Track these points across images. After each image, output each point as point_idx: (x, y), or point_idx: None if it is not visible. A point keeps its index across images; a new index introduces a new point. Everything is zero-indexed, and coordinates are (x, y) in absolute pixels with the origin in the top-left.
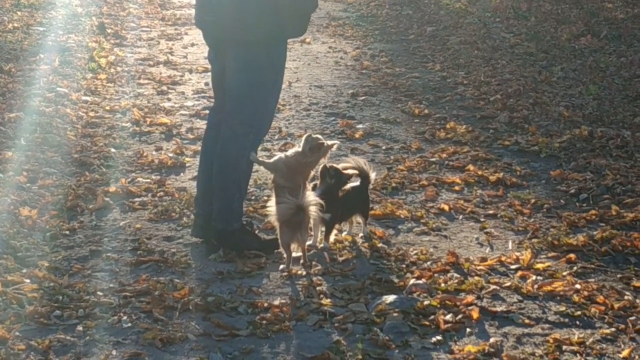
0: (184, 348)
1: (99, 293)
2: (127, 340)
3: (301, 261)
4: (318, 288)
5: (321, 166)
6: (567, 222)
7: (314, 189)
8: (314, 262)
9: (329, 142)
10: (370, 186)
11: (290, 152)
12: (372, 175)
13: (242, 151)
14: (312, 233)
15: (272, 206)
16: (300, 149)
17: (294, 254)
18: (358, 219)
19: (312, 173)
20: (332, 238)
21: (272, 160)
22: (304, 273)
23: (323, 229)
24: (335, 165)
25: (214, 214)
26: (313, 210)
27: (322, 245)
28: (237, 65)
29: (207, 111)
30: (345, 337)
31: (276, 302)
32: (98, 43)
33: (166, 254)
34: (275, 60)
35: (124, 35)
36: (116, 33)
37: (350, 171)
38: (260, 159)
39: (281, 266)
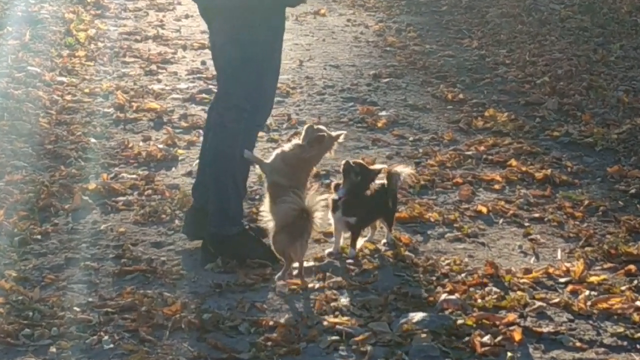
0: None
1: (75, 308)
2: None
3: (294, 272)
4: (333, 304)
5: (344, 162)
6: (626, 228)
7: (336, 188)
8: (328, 274)
9: (334, 134)
10: (399, 184)
11: (288, 145)
12: (405, 171)
13: (234, 140)
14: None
15: (266, 210)
16: (300, 142)
17: (305, 264)
18: (382, 223)
19: (314, 170)
20: (359, 244)
21: (270, 159)
22: (317, 286)
23: (346, 234)
24: (360, 160)
25: (208, 214)
26: (319, 217)
27: (348, 253)
28: (221, 38)
29: (203, 95)
30: None
31: (283, 320)
32: (76, 14)
33: (155, 263)
34: (268, 32)
35: (106, 5)
36: (97, 2)
37: (377, 166)
38: (257, 156)
39: (277, 275)
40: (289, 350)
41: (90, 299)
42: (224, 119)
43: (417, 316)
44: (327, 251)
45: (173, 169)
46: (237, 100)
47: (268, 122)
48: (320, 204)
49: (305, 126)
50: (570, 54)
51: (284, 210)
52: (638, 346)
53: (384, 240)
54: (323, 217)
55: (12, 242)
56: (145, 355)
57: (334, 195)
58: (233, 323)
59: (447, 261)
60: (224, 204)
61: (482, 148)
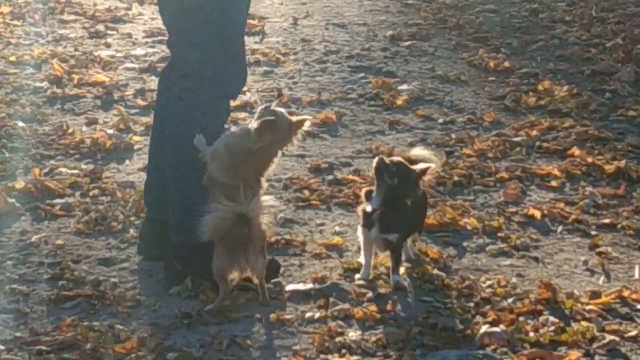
0: None
1: None
2: None
3: (260, 299)
4: (338, 339)
5: (377, 160)
6: None
7: (368, 196)
8: (331, 299)
9: (295, 119)
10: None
11: (238, 129)
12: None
13: (191, 116)
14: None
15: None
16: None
17: (302, 286)
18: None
19: (272, 166)
20: (402, 269)
21: (214, 144)
22: (316, 315)
23: (380, 253)
24: (399, 158)
25: (169, 218)
26: (265, 223)
27: (393, 281)
28: None
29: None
30: None
31: None
32: None
33: (103, 286)
34: None
35: None
36: None
37: (421, 165)
38: (204, 142)
39: (209, 306)
40: None
41: (18, 334)
42: (178, 90)
43: (450, 355)
44: (356, 276)
45: (127, 161)
46: (194, 64)
47: (253, 98)
48: (265, 208)
49: (260, 107)
50: None
51: (213, 221)
52: None
53: (407, 255)
54: (269, 223)
55: None
56: None
57: (366, 206)
58: None
59: (488, 282)
60: (185, 202)
61: (534, 133)
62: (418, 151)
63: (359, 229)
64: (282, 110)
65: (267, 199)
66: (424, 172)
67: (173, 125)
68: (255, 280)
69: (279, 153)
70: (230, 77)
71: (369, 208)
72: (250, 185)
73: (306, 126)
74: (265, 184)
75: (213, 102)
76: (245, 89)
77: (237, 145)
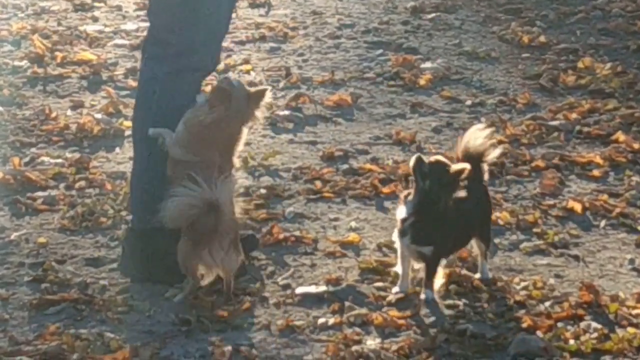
0: None
1: None
2: None
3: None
4: (355, 348)
5: (414, 158)
6: None
7: (406, 199)
8: (347, 304)
9: (254, 89)
10: (486, 178)
11: (200, 103)
12: (490, 154)
13: (148, 87)
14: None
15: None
16: None
17: (315, 289)
18: (475, 246)
19: (238, 144)
20: (438, 284)
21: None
22: (331, 321)
23: (415, 265)
24: (438, 157)
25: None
26: (229, 210)
27: (422, 295)
28: None
29: None
30: None
31: None
32: None
33: (91, 289)
34: None
35: None
36: None
37: (461, 166)
38: (160, 132)
39: (177, 296)
40: None
41: None
42: (147, 56)
43: None
44: (393, 290)
45: (117, 149)
46: (160, 30)
47: (258, 78)
48: (232, 191)
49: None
50: None
51: (177, 207)
52: None
53: (478, 275)
54: (240, 212)
55: None
56: None
57: (402, 211)
58: None
59: (523, 283)
60: (147, 186)
61: (574, 116)
62: (474, 135)
63: (395, 233)
64: (240, 81)
65: (239, 180)
66: (460, 173)
67: (138, 102)
68: (223, 276)
69: (243, 129)
70: (199, 47)
71: (401, 214)
72: (220, 166)
73: (267, 97)
74: (237, 164)
75: (176, 74)
76: (249, 67)
77: (192, 120)
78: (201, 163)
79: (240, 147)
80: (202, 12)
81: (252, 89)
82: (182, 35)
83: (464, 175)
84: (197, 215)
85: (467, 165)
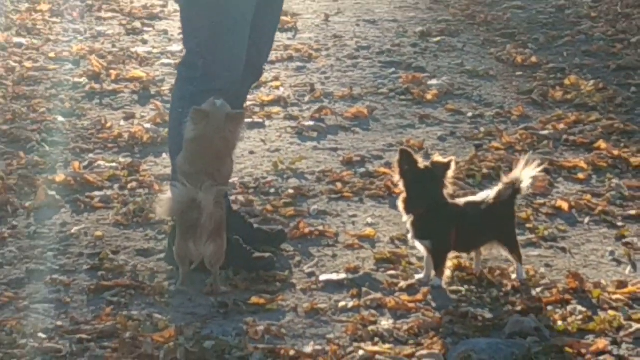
0: None
1: (40, 335)
2: None
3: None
4: (371, 327)
5: (397, 155)
6: None
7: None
8: (364, 289)
9: (232, 111)
10: (519, 198)
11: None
12: (525, 183)
13: (176, 106)
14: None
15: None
16: None
17: (335, 276)
18: (500, 250)
19: (224, 159)
20: (447, 272)
21: None
22: (350, 305)
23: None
24: (439, 158)
25: None
26: (210, 207)
27: (431, 282)
28: None
29: None
30: None
31: (308, 349)
32: None
33: (141, 276)
34: None
35: None
36: None
37: (447, 159)
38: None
39: (176, 283)
40: None
41: (59, 323)
42: (178, 76)
43: (480, 343)
44: (416, 277)
45: (163, 154)
46: (189, 55)
47: (286, 93)
48: (216, 194)
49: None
50: None
51: (168, 203)
52: None
53: (514, 276)
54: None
55: None
56: None
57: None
58: (243, 353)
59: (515, 271)
60: None
61: (561, 126)
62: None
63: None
64: (224, 102)
65: (219, 187)
66: (445, 166)
67: (171, 114)
68: (206, 264)
69: (226, 146)
70: (222, 71)
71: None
72: (209, 174)
73: (240, 119)
74: (229, 177)
75: (201, 95)
76: (279, 83)
77: (185, 135)
78: (199, 174)
79: (228, 160)
80: (224, 39)
81: (231, 111)
82: (207, 60)
83: (448, 168)
84: (182, 210)
85: (452, 159)
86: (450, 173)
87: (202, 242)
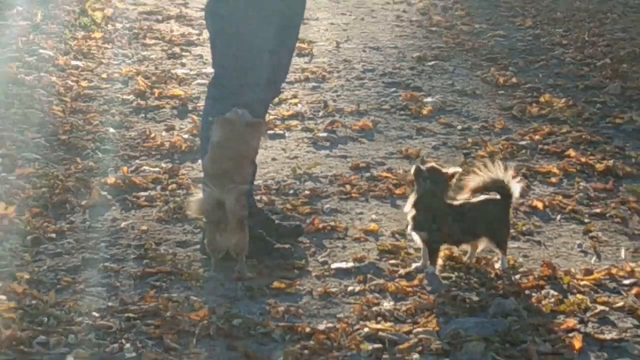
0: None
1: (94, 314)
2: None
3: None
4: (374, 308)
5: (413, 167)
6: None
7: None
8: (369, 276)
9: (251, 120)
10: (513, 204)
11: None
12: (516, 191)
13: (205, 121)
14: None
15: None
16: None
17: (344, 265)
18: (490, 245)
19: (244, 163)
20: (440, 261)
21: None
22: (357, 289)
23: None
24: (434, 164)
25: None
26: (231, 206)
27: (426, 269)
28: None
29: None
30: None
31: (321, 327)
32: None
33: (180, 264)
34: (240, 4)
35: None
36: None
37: (451, 170)
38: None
39: (209, 271)
40: (327, 358)
41: (110, 304)
42: (206, 97)
43: (468, 322)
44: (413, 265)
45: (199, 161)
46: (217, 77)
47: (303, 109)
48: (238, 194)
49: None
50: (634, 33)
51: (197, 202)
52: None
53: (497, 265)
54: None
55: (25, 241)
56: None
57: (407, 207)
58: (265, 329)
59: (500, 261)
60: None
61: (537, 137)
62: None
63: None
64: (244, 111)
65: (239, 188)
66: (451, 176)
67: (201, 131)
68: (233, 254)
69: (246, 150)
70: (247, 90)
71: (407, 209)
72: (230, 175)
73: (258, 126)
74: (247, 178)
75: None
76: (297, 100)
77: (210, 139)
78: (221, 175)
79: (246, 163)
80: (246, 65)
81: (251, 119)
82: (232, 82)
83: (455, 177)
84: (209, 209)
85: (458, 169)
86: (454, 180)
87: (227, 235)
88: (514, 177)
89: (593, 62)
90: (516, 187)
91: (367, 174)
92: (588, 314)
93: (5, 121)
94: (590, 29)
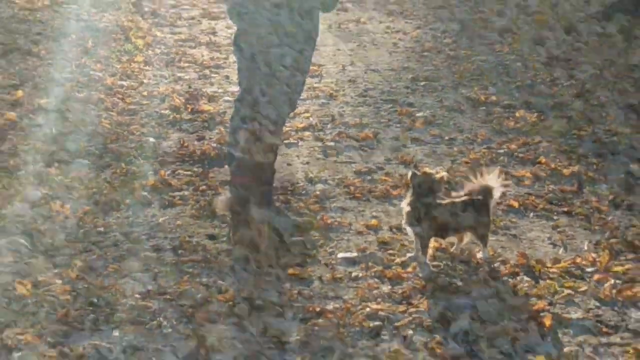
0: (228, 356)
1: (136, 296)
2: (168, 347)
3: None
4: (375, 291)
5: (409, 172)
6: None
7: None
8: (370, 264)
9: (270, 135)
10: (493, 202)
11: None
12: (496, 191)
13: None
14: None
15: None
16: None
17: (349, 254)
18: (473, 238)
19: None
20: (430, 251)
21: None
22: (360, 275)
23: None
24: (426, 169)
25: None
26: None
27: (419, 258)
28: None
29: None
30: (406, 345)
31: (329, 307)
32: (134, 22)
33: (209, 254)
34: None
35: (162, 14)
36: (154, 11)
37: (441, 175)
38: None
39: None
40: (334, 334)
41: (150, 287)
42: (233, 111)
43: (454, 303)
44: (408, 255)
45: (226, 166)
46: (242, 94)
47: (314, 122)
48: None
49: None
50: (594, 58)
51: (223, 203)
52: None
53: (479, 255)
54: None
55: (78, 234)
56: (201, 339)
57: (404, 205)
58: (282, 309)
59: (481, 252)
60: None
61: (513, 146)
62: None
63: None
64: (263, 127)
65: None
66: (441, 180)
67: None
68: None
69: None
70: (281, 104)
71: (403, 206)
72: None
73: (273, 140)
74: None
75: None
76: (308, 114)
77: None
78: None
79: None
80: (247, 88)
81: (268, 135)
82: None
83: (444, 180)
84: (232, 207)
85: (445, 173)
86: (442, 182)
87: (247, 229)
88: (501, 184)
89: (561, 82)
90: (497, 192)
91: (369, 178)
92: (556, 297)
93: (62, 132)
94: (558, 55)
